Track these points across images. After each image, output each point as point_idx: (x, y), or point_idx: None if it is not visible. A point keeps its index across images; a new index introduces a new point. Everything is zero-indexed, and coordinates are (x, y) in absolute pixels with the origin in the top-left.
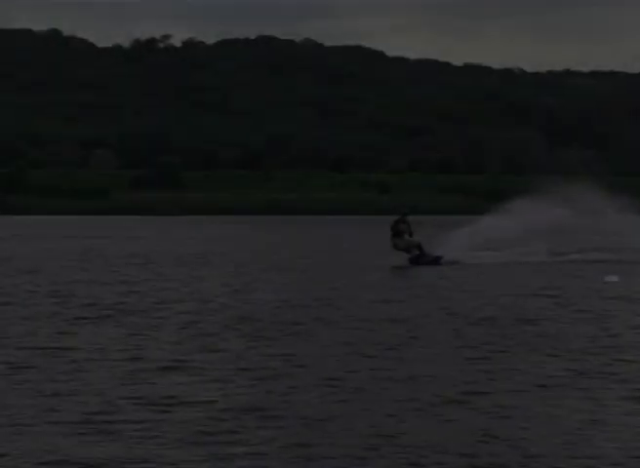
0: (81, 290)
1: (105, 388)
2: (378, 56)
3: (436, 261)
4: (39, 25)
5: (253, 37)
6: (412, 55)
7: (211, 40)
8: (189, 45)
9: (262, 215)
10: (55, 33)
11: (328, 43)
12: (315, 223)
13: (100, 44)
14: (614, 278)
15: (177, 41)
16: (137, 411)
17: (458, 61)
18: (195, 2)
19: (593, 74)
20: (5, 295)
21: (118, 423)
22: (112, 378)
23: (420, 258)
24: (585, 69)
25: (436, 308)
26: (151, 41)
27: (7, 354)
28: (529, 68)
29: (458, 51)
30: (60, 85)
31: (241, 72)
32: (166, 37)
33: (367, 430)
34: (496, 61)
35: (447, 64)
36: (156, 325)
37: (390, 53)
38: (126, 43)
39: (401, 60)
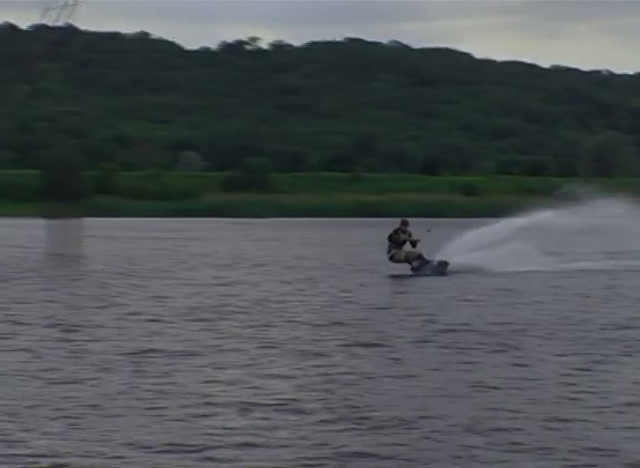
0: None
1: None
2: (465, 57)
3: (442, 270)
4: (127, 28)
5: (340, 39)
6: (499, 56)
7: (298, 42)
8: (277, 47)
9: (350, 218)
10: (143, 36)
11: (415, 45)
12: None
13: (188, 46)
14: None
15: (264, 43)
16: None
17: (546, 63)
18: (283, 4)
19: None
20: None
21: None
22: None
23: (423, 267)
24: None
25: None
26: (239, 43)
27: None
28: (617, 70)
29: (546, 52)
30: (148, 88)
31: (328, 74)
32: (253, 39)
33: None
34: (584, 63)
35: (535, 66)
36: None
37: (478, 54)
38: (214, 45)
39: (489, 62)
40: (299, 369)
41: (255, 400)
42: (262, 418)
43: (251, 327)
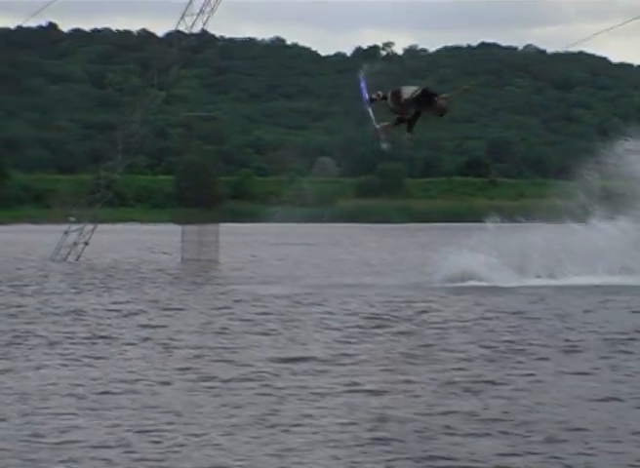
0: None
1: None
2: (602, 62)
3: None
4: (262, 34)
5: (474, 44)
6: (636, 60)
7: (432, 47)
8: (411, 52)
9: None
10: (278, 42)
11: (550, 49)
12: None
13: (323, 52)
14: None
15: (398, 48)
16: None
17: None
18: (417, 9)
19: None
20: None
21: None
22: None
23: None
24: None
25: None
26: (373, 49)
27: None
28: None
29: None
30: (283, 93)
31: (463, 79)
32: (388, 45)
33: None
34: None
35: None
36: None
37: (615, 58)
38: (348, 51)
39: (626, 66)
40: None
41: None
42: None
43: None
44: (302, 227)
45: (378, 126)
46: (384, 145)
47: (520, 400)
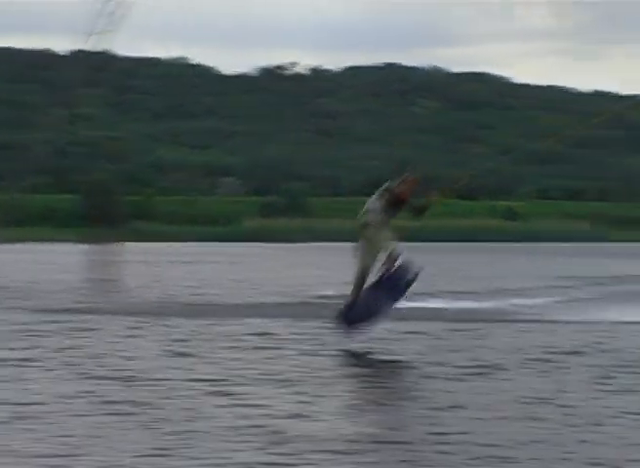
0: None
1: None
2: (504, 82)
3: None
4: (166, 53)
5: (379, 64)
6: (539, 81)
7: (337, 67)
8: (316, 72)
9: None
10: (182, 61)
11: (455, 70)
12: (441, 251)
13: (227, 71)
14: None
15: (303, 68)
16: None
17: (585, 88)
18: (321, 30)
19: None
20: None
21: None
22: None
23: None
24: None
25: None
26: (278, 68)
27: None
28: None
29: (585, 77)
30: (187, 113)
31: (367, 99)
32: (292, 64)
33: None
34: (624, 88)
35: (574, 91)
36: None
37: (517, 79)
38: (253, 70)
39: (527, 87)
40: None
41: None
42: None
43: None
44: (208, 246)
45: None
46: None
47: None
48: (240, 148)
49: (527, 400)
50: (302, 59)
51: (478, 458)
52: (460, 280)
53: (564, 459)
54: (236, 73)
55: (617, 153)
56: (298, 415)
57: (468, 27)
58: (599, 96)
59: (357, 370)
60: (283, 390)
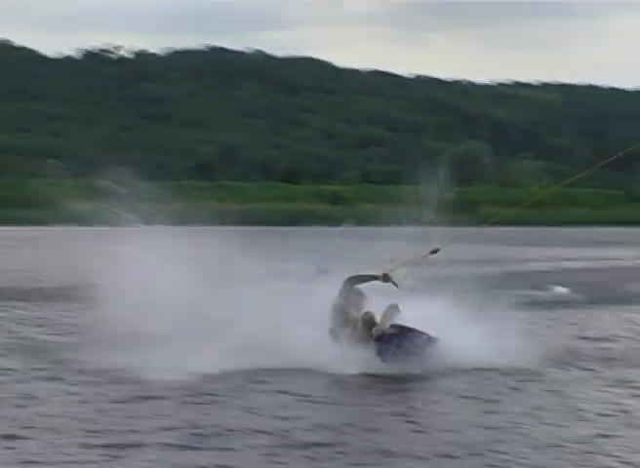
0: None
1: None
2: (328, 67)
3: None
4: None
5: (203, 48)
6: (362, 66)
7: (161, 51)
8: (140, 56)
9: (215, 226)
10: (5, 43)
11: (278, 54)
12: (268, 234)
13: (51, 54)
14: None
15: (127, 52)
16: None
17: (408, 73)
18: (144, 13)
19: (544, 86)
20: None
21: None
22: None
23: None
24: (535, 81)
25: None
26: (102, 52)
27: None
28: (479, 80)
29: (408, 62)
30: (10, 96)
31: (192, 83)
32: (117, 48)
33: None
34: (446, 74)
35: (397, 76)
36: None
37: (341, 64)
38: (77, 54)
39: (351, 72)
40: None
41: None
42: None
43: None
44: (30, 231)
45: None
46: None
47: None
48: (64, 132)
49: None
50: (127, 43)
51: None
52: None
53: None
54: (60, 56)
55: (438, 138)
56: None
57: (293, 12)
58: (423, 81)
59: None
60: None
